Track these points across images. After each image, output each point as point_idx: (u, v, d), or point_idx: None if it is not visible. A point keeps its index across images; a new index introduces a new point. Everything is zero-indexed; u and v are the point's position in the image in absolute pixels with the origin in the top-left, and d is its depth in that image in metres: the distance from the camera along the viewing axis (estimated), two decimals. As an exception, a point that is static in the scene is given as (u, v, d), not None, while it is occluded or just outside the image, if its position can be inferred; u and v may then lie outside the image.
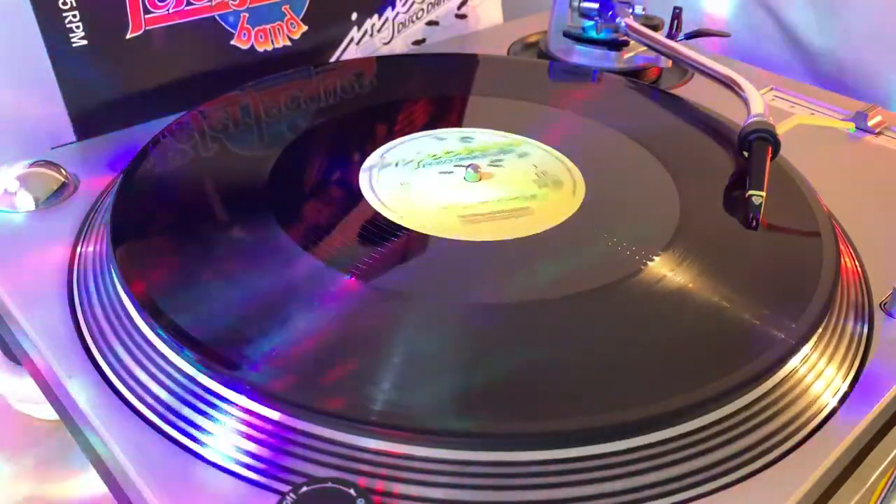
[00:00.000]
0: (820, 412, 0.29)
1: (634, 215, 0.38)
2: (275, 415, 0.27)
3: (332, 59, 0.57)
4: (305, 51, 0.55)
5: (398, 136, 0.44)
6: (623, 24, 0.54)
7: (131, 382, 0.29)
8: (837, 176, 0.45)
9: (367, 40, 0.59)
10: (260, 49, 0.53)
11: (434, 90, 0.51)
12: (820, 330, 0.31)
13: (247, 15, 0.51)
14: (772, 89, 0.56)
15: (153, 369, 0.29)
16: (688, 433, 0.27)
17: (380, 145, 0.43)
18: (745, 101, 0.44)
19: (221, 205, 0.39)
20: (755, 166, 0.39)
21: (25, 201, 0.39)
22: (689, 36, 0.58)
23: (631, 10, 0.55)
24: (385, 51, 0.61)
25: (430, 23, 0.64)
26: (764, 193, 0.37)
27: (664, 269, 0.33)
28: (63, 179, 0.41)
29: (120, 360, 0.30)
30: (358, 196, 0.38)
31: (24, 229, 0.38)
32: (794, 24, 0.69)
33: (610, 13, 0.55)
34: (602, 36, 0.56)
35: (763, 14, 0.71)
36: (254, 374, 0.28)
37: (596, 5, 0.56)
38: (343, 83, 0.50)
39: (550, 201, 0.38)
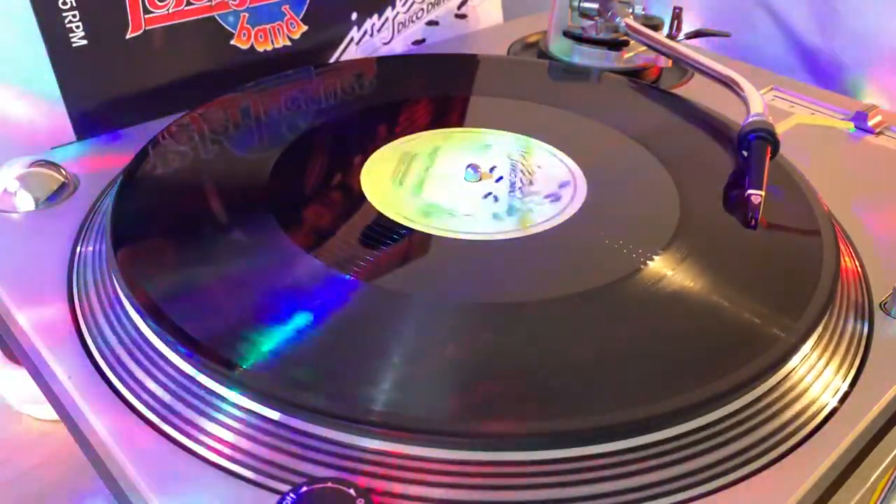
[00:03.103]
0: (820, 412, 0.29)
1: (634, 215, 0.38)
2: (274, 415, 0.27)
3: (332, 59, 0.57)
4: (305, 51, 0.55)
5: (399, 137, 0.44)
6: (623, 23, 0.54)
7: (131, 382, 0.29)
8: (837, 176, 0.45)
9: (367, 40, 0.59)
10: (260, 49, 0.53)
11: (434, 90, 0.51)
12: (820, 329, 0.31)
13: (247, 15, 0.51)
14: (772, 89, 0.56)
15: (153, 369, 0.29)
16: (688, 433, 0.27)
17: (380, 146, 0.43)
18: (745, 101, 0.44)
19: (221, 205, 0.39)
20: (754, 165, 0.39)
21: (25, 201, 0.39)
22: (689, 36, 0.58)
23: (631, 10, 0.55)
24: (385, 51, 0.61)
25: (430, 23, 0.64)
26: (763, 193, 0.37)
27: (664, 269, 0.33)
28: (63, 179, 0.41)
29: (119, 360, 0.30)
30: (358, 196, 0.38)
31: (24, 229, 0.38)
32: (794, 24, 0.69)
33: (610, 13, 0.55)
34: (602, 36, 0.56)
35: (763, 14, 0.71)
36: (253, 374, 0.28)
37: (596, 5, 0.56)
38: (343, 84, 0.50)
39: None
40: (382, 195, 0.38)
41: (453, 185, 0.40)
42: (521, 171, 0.39)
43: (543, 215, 0.37)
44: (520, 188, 0.39)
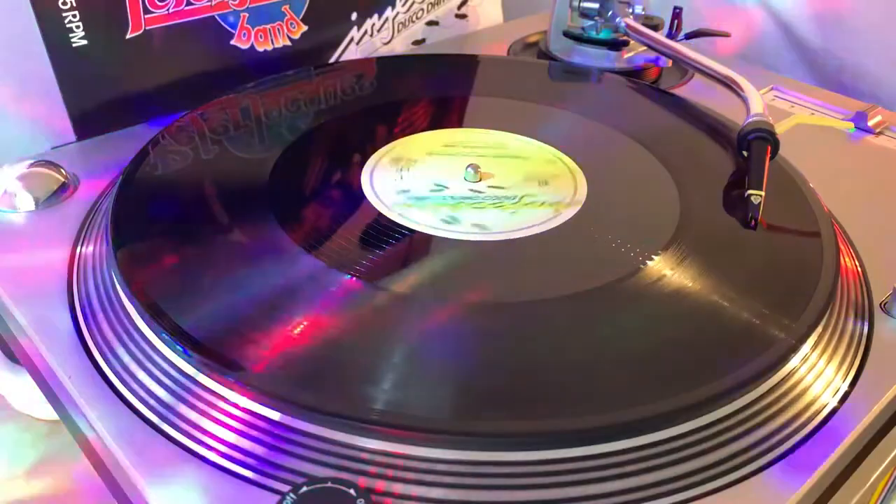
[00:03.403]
0: (820, 412, 0.29)
1: (634, 215, 0.38)
2: (274, 415, 0.27)
3: (332, 59, 0.57)
4: (305, 51, 0.55)
5: (399, 137, 0.44)
6: (623, 23, 0.54)
7: (131, 382, 0.29)
8: (837, 176, 0.45)
9: (367, 40, 0.59)
10: (260, 49, 0.53)
11: (434, 90, 0.51)
12: (820, 329, 0.31)
13: (247, 15, 0.51)
14: (772, 89, 0.56)
15: (153, 369, 0.29)
16: (688, 433, 0.27)
17: (380, 146, 0.43)
18: (745, 101, 0.44)
19: (221, 205, 0.39)
20: (754, 166, 0.39)
21: (25, 201, 0.39)
22: (689, 36, 0.58)
23: (631, 10, 0.55)
24: (385, 51, 0.61)
25: (430, 23, 0.64)
26: (763, 193, 0.37)
27: (664, 269, 0.33)
28: (63, 179, 0.41)
29: (120, 360, 0.30)
30: (358, 196, 0.38)
31: (24, 229, 0.38)
32: (794, 24, 0.69)
33: (610, 13, 0.55)
34: (602, 36, 0.56)
35: (763, 14, 0.71)
36: (253, 374, 0.28)
37: (596, 5, 0.56)
38: (343, 84, 0.50)
39: (549, 202, 0.38)
40: (415, 142, 0.43)
41: (447, 172, 0.40)
42: (503, 202, 0.38)
43: (418, 221, 0.36)
44: (462, 203, 0.38)
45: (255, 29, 0.52)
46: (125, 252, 0.33)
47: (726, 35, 0.61)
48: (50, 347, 0.31)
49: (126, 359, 0.30)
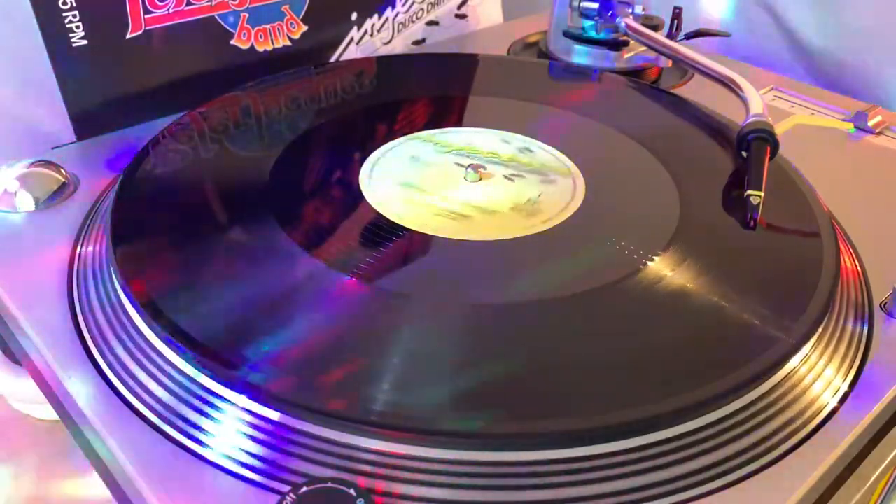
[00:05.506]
0: (820, 412, 0.29)
1: (634, 215, 0.38)
2: (275, 415, 0.27)
3: (332, 59, 0.57)
4: (305, 51, 0.55)
5: (398, 136, 0.44)
6: (623, 23, 0.54)
7: (131, 382, 0.29)
8: (837, 176, 0.45)
9: (367, 40, 0.59)
10: (260, 49, 0.53)
11: (434, 90, 0.51)
12: (820, 330, 0.31)
13: (247, 15, 0.51)
14: (772, 89, 0.56)
15: (153, 369, 0.29)
16: (688, 433, 0.27)
17: (379, 145, 0.43)
18: (745, 101, 0.44)
19: (221, 205, 0.39)
20: (753, 166, 0.39)
21: (25, 201, 0.39)
22: (689, 36, 0.58)
23: (631, 10, 0.55)
24: (385, 51, 0.61)
25: (430, 23, 0.64)
26: (762, 193, 0.37)
27: (664, 269, 0.33)
28: (63, 179, 0.41)
29: (120, 360, 0.30)
30: (358, 196, 0.38)
31: (24, 229, 0.38)
32: (794, 24, 0.69)
33: (610, 13, 0.55)
34: (602, 36, 0.56)
35: (763, 14, 0.71)
36: (254, 375, 0.28)
37: (596, 5, 0.56)
38: (343, 83, 0.50)
39: (548, 205, 0.38)
40: (438, 136, 0.44)
41: (449, 171, 0.41)
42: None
43: (381, 201, 0.38)
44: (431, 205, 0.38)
45: (255, 29, 0.52)
46: (125, 252, 0.33)
47: (726, 35, 0.61)
48: (50, 347, 0.31)
49: (126, 359, 0.30)
